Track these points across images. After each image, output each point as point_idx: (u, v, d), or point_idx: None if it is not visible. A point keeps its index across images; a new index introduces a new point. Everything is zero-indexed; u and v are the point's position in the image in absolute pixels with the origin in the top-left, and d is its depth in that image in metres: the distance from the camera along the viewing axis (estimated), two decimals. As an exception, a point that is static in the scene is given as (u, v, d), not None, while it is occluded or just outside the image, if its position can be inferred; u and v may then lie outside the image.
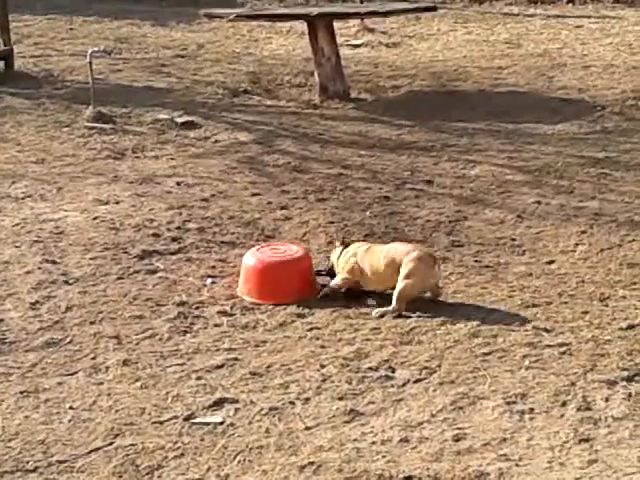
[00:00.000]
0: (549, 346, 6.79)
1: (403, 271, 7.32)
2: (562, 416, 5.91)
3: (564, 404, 6.04)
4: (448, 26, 18.54)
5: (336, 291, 7.64)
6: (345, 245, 7.78)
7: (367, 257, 7.57)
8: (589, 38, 17.28)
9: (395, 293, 7.33)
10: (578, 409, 5.97)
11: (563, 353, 6.69)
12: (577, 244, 8.68)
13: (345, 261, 7.64)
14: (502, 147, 11.60)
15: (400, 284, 7.31)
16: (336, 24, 14.41)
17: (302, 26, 15.52)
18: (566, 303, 7.50)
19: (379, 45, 17.10)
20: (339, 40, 14.56)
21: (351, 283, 7.62)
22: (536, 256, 8.46)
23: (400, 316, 7.24)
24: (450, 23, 18.77)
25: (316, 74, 13.85)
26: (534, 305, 7.45)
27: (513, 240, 8.80)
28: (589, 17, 19.08)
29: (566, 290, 7.74)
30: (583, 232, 8.92)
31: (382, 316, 7.25)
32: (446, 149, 11.52)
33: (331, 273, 7.79)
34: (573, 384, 6.27)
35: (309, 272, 7.78)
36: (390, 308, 7.30)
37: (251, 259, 7.70)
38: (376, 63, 15.66)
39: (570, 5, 20.29)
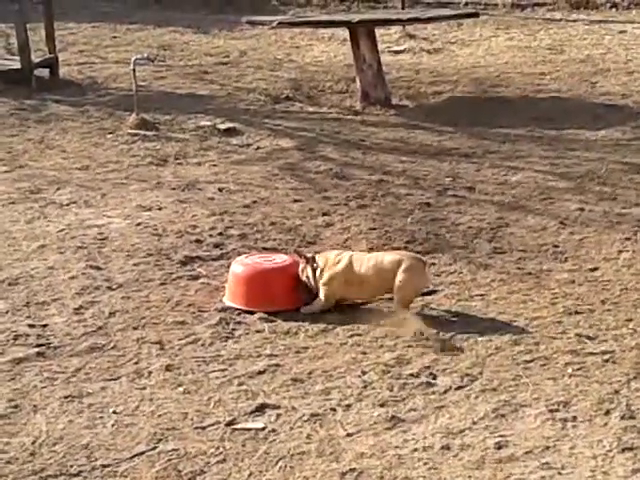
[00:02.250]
0: (592, 354, 6.74)
1: (398, 282, 7.26)
2: (605, 424, 5.86)
3: (607, 412, 5.99)
4: (490, 32, 18.48)
5: (315, 312, 7.46)
6: (311, 261, 7.51)
7: (351, 266, 7.41)
8: (633, 43, 17.14)
9: (395, 304, 7.32)
10: (622, 417, 5.92)
11: (606, 361, 6.64)
12: (621, 251, 8.61)
13: (327, 279, 7.42)
14: (544, 153, 11.54)
15: (398, 295, 7.29)
16: (378, 31, 14.43)
17: (344, 33, 15.55)
18: (609, 310, 7.45)
19: (421, 51, 17.09)
20: (381, 46, 14.58)
21: (332, 303, 7.46)
22: (579, 263, 8.40)
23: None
24: (492, 29, 18.71)
25: (357, 80, 13.87)
26: (577, 312, 7.41)
27: (555, 247, 8.75)
28: (633, 22, 18.93)
29: (609, 297, 7.68)
30: (627, 239, 8.85)
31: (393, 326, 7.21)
32: (488, 155, 11.48)
33: (310, 295, 7.53)
34: (617, 392, 6.22)
35: (293, 282, 7.58)
36: (397, 318, 7.26)
37: (238, 267, 7.66)
38: (418, 69, 15.65)
39: (613, 10, 20.15)
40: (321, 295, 7.50)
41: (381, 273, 7.36)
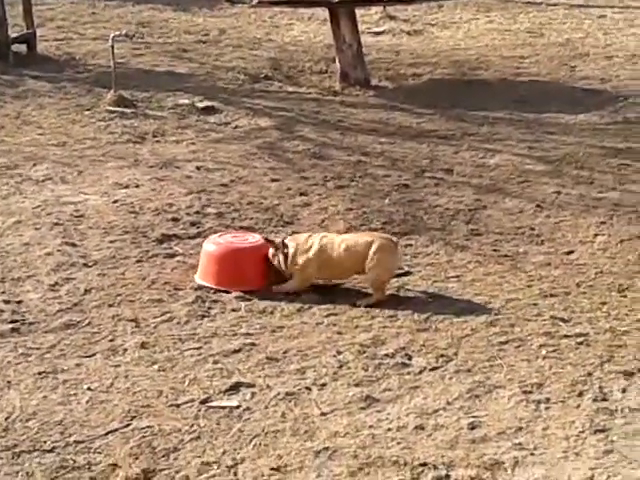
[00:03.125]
0: (566, 336, 6.78)
1: (371, 263, 7.28)
2: (578, 406, 5.90)
3: (580, 394, 6.03)
4: (470, 14, 18.48)
5: (287, 291, 7.47)
6: (281, 246, 7.50)
7: (323, 248, 7.41)
8: (612, 28, 17.19)
9: (370, 285, 7.35)
10: (594, 399, 5.96)
11: (580, 343, 6.68)
12: (596, 234, 8.66)
13: (302, 264, 7.43)
14: (523, 137, 11.56)
15: (371, 276, 7.31)
16: (358, 11, 14.39)
17: (324, 13, 15.50)
18: (584, 293, 7.49)
19: (401, 33, 17.07)
20: (361, 27, 14.55)
21: (307, 285, 7.48)
22: (555, 246, 8.44)
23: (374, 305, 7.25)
24: (472, 11, 18.71)
25: (337, 61, 13.85)
26: (552, 295, 7.45)
27: (532, 230, 8.78)
28: (612, 7, 18.97)
29: (585, 280, 7.72)
30: (603, 223, 8.90)
31: (369, 306, 7.23)
32: (466, 138, 11.50)
33: (280, 277, 7.54)
34: (590, 374, 6.26)
35: (265, 260, 7.59)
36: (373, 297, 7.31)
37: (210, 245, 7.67)
38: (397, 51, 15.63)
39: (593, -5, 20.18)
40: (295, 279, 7.50)
41: (353, 255, 7.36)
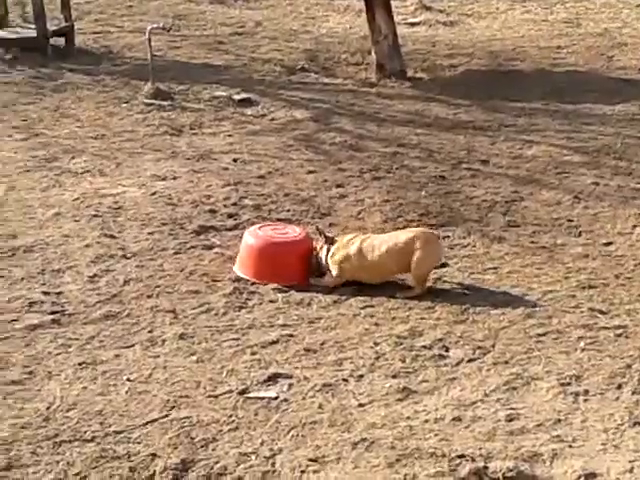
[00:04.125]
0: (605, 328, 6.75)
1: (415, 259, 7.25)
2: (617, 399, 5.88)
3: (619, 387, 6.00)
4: (506, 5, 18.37)
5: (323, 287, 7.47)
6: (329, 242, 7.56)
7: (363, 251, 7.41)
8: (651, 17, 17.02)
9: (413, 277, 7.34)
10: (633, 392, 5.94)
11: (619, 335, 6.65)
12: (635, 226, 8.60)
13: (338, 259, 7.44)
14: (560, 127, 11.50)
15: (415, 268, 7.29)
16: (394, 2, 14.35)
17: (360, 4, 15.47)
18: (623, 285, 7.45)
19: (436, 24, 17.01)
20: (396, 18, 14.51)
21: (342, 282, 7.46)
22: (593, 237, 8.40)
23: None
24: (508, 2, 18.59)
25: (373, 52, 13.82)
26: (590, 287, 7.41)
27: (570, 221, 8.74)
28: (651, -4, 18.78)
29: (623, 272, 7.68)
30: (641, 214, 8.84)
31: (407, 298, 7.23)
32: (503, 129, 11.45)
33: (320, 270, 7.57)
34: (629, 367, 6.23)
35: (305, 256, 7.61)
36: (414, 291, 7.30)
37: (250, 238, 7.65)
38: (433, 42, 15.58)
39: (632, -16, 19.99)
40: (331, 274, 7.50)
41: (396, 254, 7.34)
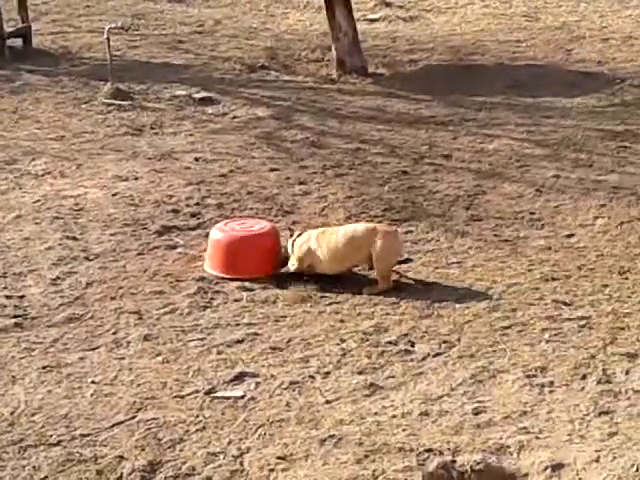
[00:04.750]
0: (569, 319, 6.80)
1: (375, 251, 7.27)
2: (582, 389, 5.92)
3: (584, 377, 6.05)
4: (466, -1, 18.42)
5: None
6: (299, 234, 7.64)
7: (322, 239, 7.46)
8: (608, 10, 17.15)
9: (377, 273, 7.35)
10: (598, 382, 5.98)
11: (583, 326, 6.70)
12: (596, 217, 8.66)
13: (298, 246, 7.52)
14: (520, 121, 11.55)
15: (378, 264, 7.30)
16: (353, -2, 14.35)
17: (319, 1, 15.46)
18: (586, 276, 7.50)
19: (396, 19, 17.02)
20: (356, 15, 14.51)
21: (303, 267, 7.50)
22: (555, 230, 8.45)
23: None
24: (468, -4, 18.64)
25: (333, 49, 13.81)
26: (553, 279, 7.45)
27: (532, 214, 8.79)
28: (608, -11, 18.92)
29: (585, 264, 7.73)
30: (602, 205, 8.91)
31: (372, 294, 7.24)
32: (464, 123, 11.49)
33: (286, 261, 7.65)
34: (593, 357, 6.28)
35: (272, 249, 7.65)
36: (378, 287, 7.30)
37: (217, 233, 7.68)
38: (393, 37, 15.60)
39: (589, -23, 20.13)
40: (289, 263, 7.55)
41: (351, 242, 7.35)
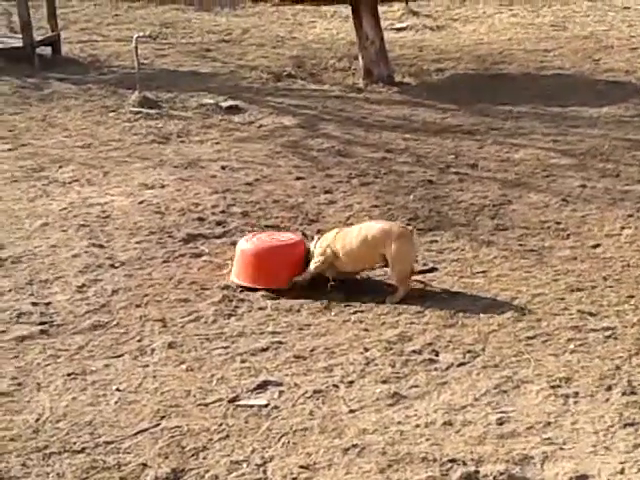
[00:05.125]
0: (594, 330, 6.76)
1: (390, 254, 7.25)
2: (607, 400, 5.88)
3: (609, 388, 6.01)
4: (493, 9, 18.42)
5: (306, 279, 7.49)
6: (319, 237, 7.66)
7: (339, 239, 7.46)
8: (636, 19, 17.09)
9: (394, 278, 7.33)
10: (623, 393, 5.94)
11: (608, 337, 6.66)
12: (623, 228, 8.62)
13: (319, 246, 7.53)
14: (547, 130, 11.52)
15: (394, 267, 7.29)
16: (381, 8, 14.38)
17: (346, 10, 15.49)
18: (611, 287, 7.46)
19: (423, 28, 17.05)
20: (383, 24, 14.55)
21: (324, 267, 7.48)
22: (581, 240, 8.41)
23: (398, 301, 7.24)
24: (495, 6, 18.65)
25: (360, 58, 13.84)
26: (579, 289, 7.42)
27: (558, 224, 8.75)
28: (636, -2, 18.86)
29: (611, 274, 7.69)
30: (629, 216, 8.86)
31: (397, 302, 7.21)
32: (490, 132, 11.47)
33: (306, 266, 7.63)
34: (618, 368, 6.24)
35: (300, 259, 7.60)
36: (399, 293, 7.28)
37: (245, 244, 7.64)
38: (420, 47, 15.61)
39: (617, -14, 20.07)
40: (310, 264, 7.52)
41: (365, 241, 7.33)
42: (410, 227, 7.66)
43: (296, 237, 7.82)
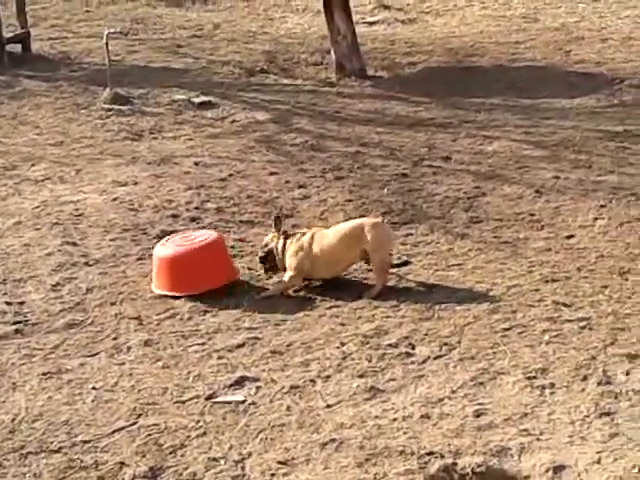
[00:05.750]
0: (569, 321, 6.79)
1: (369, 244, 7.21)
2: (583, 390, 5.91)
3: (585, 378, 6.03)
4: (464, 1, 18.45)
5: (277, 293, 7.33)
6: (285, 235, 7.42)
7: (316, 243, 7.33)
8: (607, 11, 17.17)
9: (374, 267, 7.29)
10: (599, 383, 5.97)
11: (583, 327, 6.69)
12: (596, 218, 8.66)
13: (292, 256, 7.33)
14: (520, 122, 11.56)
15: (373, 256, 7.24)
16: (352, 1, 14.37)
17: (318, 4, 15.47)
18: (586, 277, 7.49)
19: (395, 22, 17.06)
20: (355, 17, 14.53)
21: (300, 277, 7.36)
22: (555, 231, 8.44)
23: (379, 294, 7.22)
24: (466, -2, 18.67)
25: (332, 52, 13.83)
26: (553, 280, 7.45)
27: (532, 215, 8.78)
28: (606, -10, 18.94)
29: (585, 265, 7.72)
30: (602, 206, 8.90)
31: (374, 297, 7.19)
32: (463, 125, 11.50)
33: (268, 261, 7.42)
34: (593, 358, 6.26)
35: (220, 258, 7.42)
36: (377, 287, 7.27)
37: (161, 250, 7.38)
38: (392, 40, 15.62)
39: (587, -22, 20.14)
40: (286, 277, 7.37)
41: (344, 239, 7.28)
42: (380, 217, 7.63)
43: (211, 235, 7.51)
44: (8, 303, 7.18)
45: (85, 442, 5.51)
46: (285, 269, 7.40)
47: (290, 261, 7.37)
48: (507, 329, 6.70)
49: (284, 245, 7.41)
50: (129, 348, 6.56)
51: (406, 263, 7.71)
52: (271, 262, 7.45)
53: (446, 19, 17.16)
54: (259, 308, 7.13)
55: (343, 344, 6.56)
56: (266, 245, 7.48)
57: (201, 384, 6.09)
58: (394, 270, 7.52)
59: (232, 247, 7.97)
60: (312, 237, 7.40)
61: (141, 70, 13.89)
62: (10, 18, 15.14)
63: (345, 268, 7.51)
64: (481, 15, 17.29)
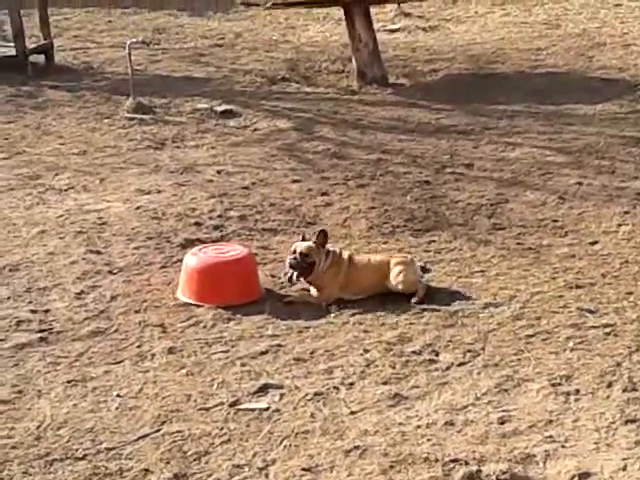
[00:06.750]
0: (593, 327, 6.76)
1: (396, 272, 7.26)
2: (608, 397, 5.88)
3: (610, 385, 6.01)
4: (485, 8, 18.44)
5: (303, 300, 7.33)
6: (327, 253, 7.35)
7: (352, 268, 7.33)
8: (629, 16, 17.12)
9: (404, 289, 7.29)
10: (624, 390, 5.94)
11: (608, 334, 6.66)
12: (620, 224, 8.62)
13: (332, 277, 7.31)
14: (542, 129, 11.53)
15: (403, 283, 7.27)
16: (373, 9, 14.40)
17: (339, 12, 15.50)
18: (610, 284, 7.46)
19: (416, 29, 17.07)
20: (376, 25, 14.56)
21: (332, 298, 7.30)
22: (579, 237, 8.41)
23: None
24: (487, 5, 18.67)
25: (354, 60, 13.85)
26: (578, 286, 7.42)
27: (555, 222, 8.76)
28: (628, -5, 18.89)
29: (610, 271, 7.69)
30: (626, 212, 8.87)
31: (422, 298, 7.21)
32: (485, 132, 11.48)
33: (305, 272, 7.33)
34: (619, 365, 6.24)
35: (249, 274, 7.44)
36: (420, 292, 7.26)
37: (192, 259, 7.40)
38: (413, 47, 15.63)
39: (609, -16, 20.10)
40: (324, 293, 7.32)
41: (378, 271, 7.32)
42: (410, 256, 7.64)
43: (243, 250, 7.53)
44: (33, 311, 7.21)
45: (110, 449, 5.52)
46: (317, 284, 7.38)
47: (329, 282, 7.33)
48: (531, 336, 6.68)
49: (326, 262, 7.35)
50: (153, 355, 6.58)
51: (426, 270, 7.70)
52: (307, 274, 7.39)
53: (467, 26, 17.15)
54: (282, 315, 7.13)
55: (366, 351, 6.55)
56: (307, 255, 7.32)
57: (225, 391, 6.10)
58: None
59: (255, 254, 7.97)
60: (350, 261, 7.39)
61: (163, 79, 13.96)
62: (33, 29, 15.25)
63: (373, 293, 7.48)
64: (502, 22, 17.28)
